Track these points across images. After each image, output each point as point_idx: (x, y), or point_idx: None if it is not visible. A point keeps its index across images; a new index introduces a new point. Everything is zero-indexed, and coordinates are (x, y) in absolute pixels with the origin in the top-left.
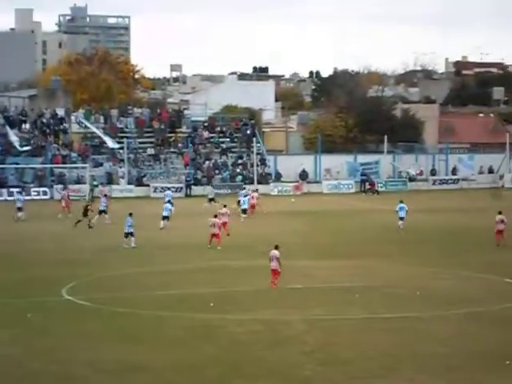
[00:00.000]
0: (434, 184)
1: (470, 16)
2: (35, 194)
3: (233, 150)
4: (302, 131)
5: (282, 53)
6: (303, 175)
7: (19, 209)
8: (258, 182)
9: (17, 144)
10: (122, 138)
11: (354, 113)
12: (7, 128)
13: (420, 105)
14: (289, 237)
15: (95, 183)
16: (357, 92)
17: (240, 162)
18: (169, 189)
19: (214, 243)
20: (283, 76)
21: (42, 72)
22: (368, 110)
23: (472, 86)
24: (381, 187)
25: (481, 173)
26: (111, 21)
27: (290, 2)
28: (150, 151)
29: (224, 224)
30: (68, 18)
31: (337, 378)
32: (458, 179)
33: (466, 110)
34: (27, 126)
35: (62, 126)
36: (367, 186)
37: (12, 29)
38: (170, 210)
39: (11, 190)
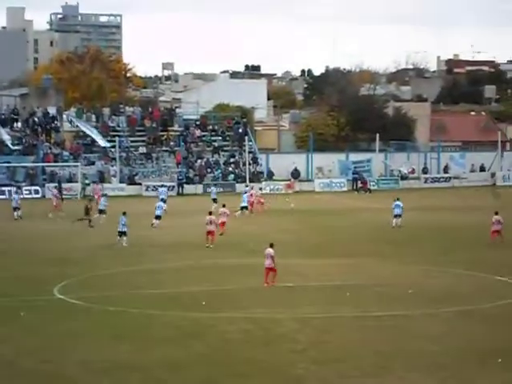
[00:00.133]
0: (425, 182)
1: (462, 15)
2: (27, 192)
3: (225, 148)
4: (294, 130)
5: (273, 51)
6: (295, 174)
7: (15, 208)
8: (250, 181)
9: (8, 143)
10: (114, 136)
11: (345, 111)
12: None
13: (412, 103)
14: (280, 235)
15: (87, 182)
16: (349, 90)
17: (232, 160)
18: (163, 186)
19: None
20: (275, 74)
21: (33, 70)
22: (360, 109)
23: (464, 85)
24: (373, 185)
25: (472, 171)
26: (103, 19)
27: (282, 1)
28: (142, 150)
29: (222, 224)
30: (59, 16)
31: (329, 377)
32: (450, 177)
33: (457, 108)
34: (19, 124)
35: (53, 125)
36: (359, 185)
37: (3, 27)
38: (163, 208)
39: (3, 188)
